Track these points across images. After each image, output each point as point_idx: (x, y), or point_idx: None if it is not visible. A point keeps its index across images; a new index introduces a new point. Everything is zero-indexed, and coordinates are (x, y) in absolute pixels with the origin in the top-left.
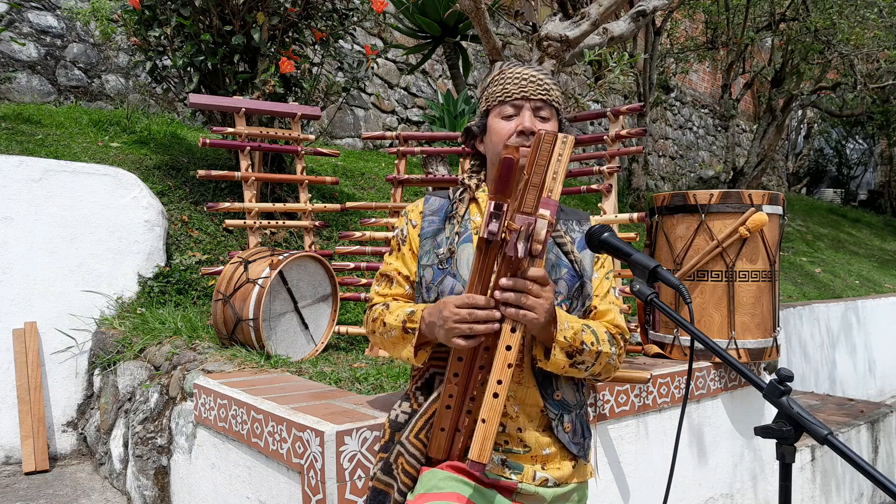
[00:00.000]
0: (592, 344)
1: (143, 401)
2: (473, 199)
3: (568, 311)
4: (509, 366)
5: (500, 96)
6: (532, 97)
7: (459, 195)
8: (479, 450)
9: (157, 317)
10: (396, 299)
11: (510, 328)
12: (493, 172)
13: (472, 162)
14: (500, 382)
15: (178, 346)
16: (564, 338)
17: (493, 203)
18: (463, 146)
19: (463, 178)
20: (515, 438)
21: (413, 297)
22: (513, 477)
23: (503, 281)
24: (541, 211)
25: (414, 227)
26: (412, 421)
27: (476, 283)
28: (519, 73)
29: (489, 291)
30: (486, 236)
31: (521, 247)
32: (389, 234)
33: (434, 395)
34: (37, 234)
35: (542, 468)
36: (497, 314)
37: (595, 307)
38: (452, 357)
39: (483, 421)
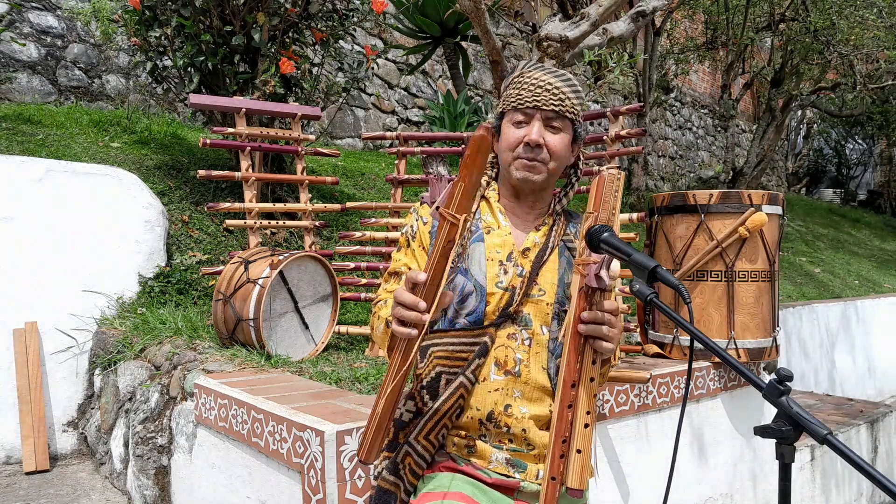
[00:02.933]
0: (616, 355)
1: (144, 400)
2: (483, 198)
3: None
4: (594, 395)
5: (514, 102)
6: (543, 107)
7: None
8: (578, 479)
9: (158, 317)
10: None
11: (591, 360)
12: (505, 172)
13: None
14: (588, 413)
15: (179, 345)
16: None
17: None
18: (463, 146)
19: None
20: (520, 438)
21: None
22: (517, 476)
23: (587, 314)
24: None
25: (424, 223)
26: (421, 421)
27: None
28: (536, 79)
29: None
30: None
31: (605, 277)
32: (389, 235)
33: (444, 395)
34: (37, 233)
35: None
36: (426, 314)
37: None
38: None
39: (579, 451)
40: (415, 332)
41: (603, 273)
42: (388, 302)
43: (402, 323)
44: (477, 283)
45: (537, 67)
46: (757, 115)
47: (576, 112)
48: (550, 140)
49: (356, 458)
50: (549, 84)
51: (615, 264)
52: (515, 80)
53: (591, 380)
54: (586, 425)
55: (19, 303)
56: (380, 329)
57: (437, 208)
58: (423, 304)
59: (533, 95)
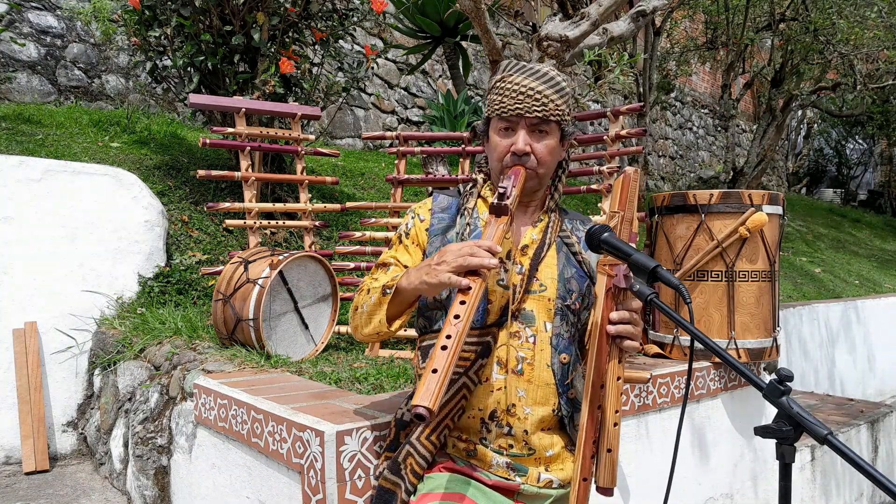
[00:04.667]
0: None
1: (144, 401)
2: (479, 196)
3: (582, 308)
4: (622, 394)
5: (498, 109)
6: (528, 114)
7: (469, 189)
8: (610, 477)
9: (158, 317)
10: None
11: (618, 360)
12: (496, 177)
13: (482, 160)
14: (617, 412)
15: (179, 346)
16: None
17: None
18: (463, 146)
19: (472, 174)
20: (521, 441)
21: None
22: (517, 479)
23: (617, 315)
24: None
25: (422, 221)
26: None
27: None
28: (518, 84)
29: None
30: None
31: (633, 277)
32: (389, 234)
33: (446, 396)
34: (37, 234)
35: (546, 469)
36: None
37: None
38: (455, 301)
39: (609, 451)
40: (494, 261)
41: (631, 273)
42: (379, 279)
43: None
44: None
45: (518, 70)
46: (757, 115)
47: (561, 113)
48: (537, 147)
49: (356, 458)
50: (531, 90)
51: None
52: (498, 84)
53: (618, 379)
54: (615, 424)
55: (19, 303)
56: (372, 299)
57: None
58: (498, 248)
59: (516, 102)
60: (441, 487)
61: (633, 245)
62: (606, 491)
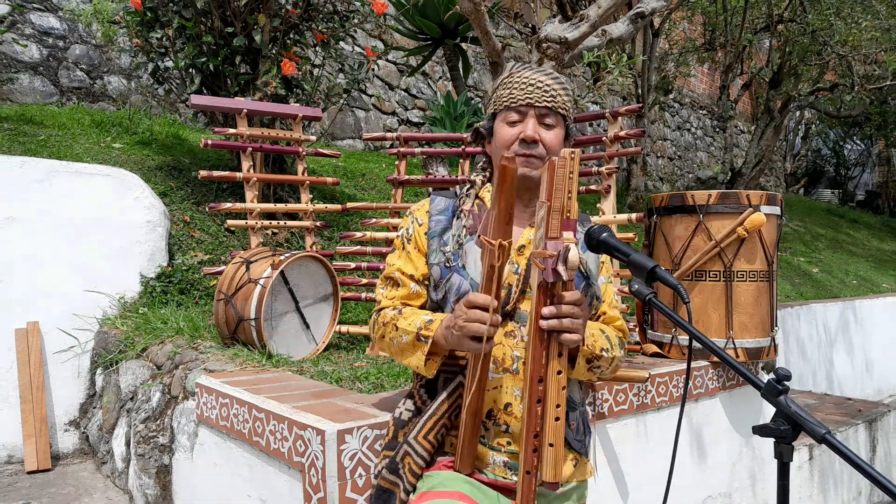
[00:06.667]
0: (607, 350)
1: (146, 400)
2: (477, 197)
3: None
4: (563, 388)
5: (507, 101)
6: (537, 104)
7: (466, 191)
8: (552, 472)
9: (160, 316)
10: (406, 303)
11: (557, 353)
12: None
13: (483, 163)
14: (558, 406)
15: (180, 345)
16: (587, 346)
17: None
18: (463, 147)
19: (471, 176)
20: (518, 438)
21: (420, 294)
22: (514, 477)
23: (547, 310)
24: (565, 234)
25: (420, 225)
26: (420, 421)
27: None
28: (527, 77)
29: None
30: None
31: (562, 272)
32: (390, 235)
33: (443, 395)
34: (39, 234)
35: None
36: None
37: (604, 312)
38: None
39: (551, 445)
40: (492, 329)
41: (560, 267)
42: (402, 311)
43: (474, 335)
44: (473, 281)
45: (526, 67)
46: (755, 116)
47: (567, 108)
48: (545, 135)
49: (357, 457)
50: (541, 82)
51: (572, 255)
52: (505, 80)
53: (559, 373)
54: (557, 419)
55: (21, 302)
56: (404, 340)
57: (479, 236)
58: (495, 302)
59: (525, 94)
60: (440, 486)
61: (571, 232)
62: (552, 485)
